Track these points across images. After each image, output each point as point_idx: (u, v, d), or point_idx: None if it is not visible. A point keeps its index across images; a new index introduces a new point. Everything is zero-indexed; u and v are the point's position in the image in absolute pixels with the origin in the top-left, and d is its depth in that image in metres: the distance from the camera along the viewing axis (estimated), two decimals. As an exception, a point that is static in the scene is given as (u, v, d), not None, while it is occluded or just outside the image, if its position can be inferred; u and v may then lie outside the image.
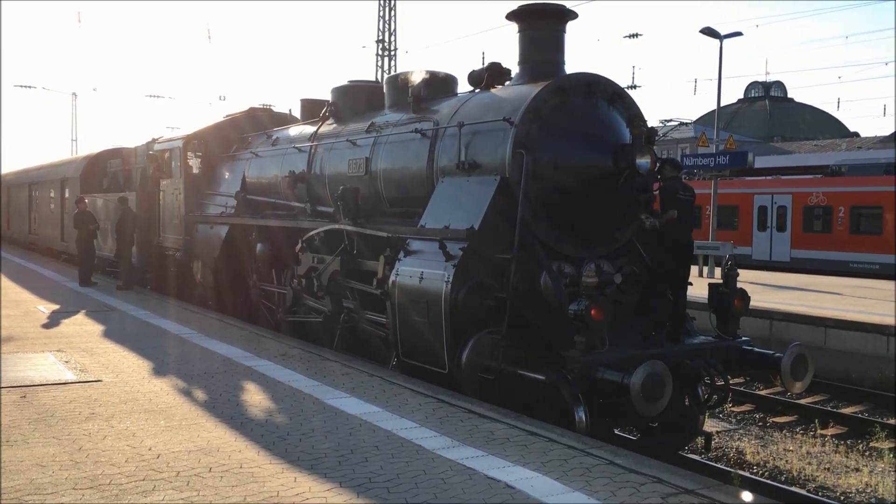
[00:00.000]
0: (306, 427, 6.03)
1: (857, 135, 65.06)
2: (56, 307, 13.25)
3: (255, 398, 7.00)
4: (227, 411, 6.52)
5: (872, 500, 7.56)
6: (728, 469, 7.97)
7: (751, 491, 6.29)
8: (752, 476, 7.88)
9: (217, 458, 5.26)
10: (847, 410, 10.81)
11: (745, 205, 27.53)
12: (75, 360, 8.72)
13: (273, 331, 11.25)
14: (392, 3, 40.88)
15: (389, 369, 8.38)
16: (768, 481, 7.78)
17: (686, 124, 32.58)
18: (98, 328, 11.01)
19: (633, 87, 38.35)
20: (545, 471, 5.01)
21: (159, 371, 8.17)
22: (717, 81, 21.33)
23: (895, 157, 25.80)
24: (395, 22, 41.03)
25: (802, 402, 11.03)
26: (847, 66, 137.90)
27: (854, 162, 26.62)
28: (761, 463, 8.53)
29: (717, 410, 9.81)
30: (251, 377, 7.84)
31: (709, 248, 19.31)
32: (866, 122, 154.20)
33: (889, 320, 12.42)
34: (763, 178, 28.32)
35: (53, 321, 11.70)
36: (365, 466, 5.09)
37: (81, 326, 11.19)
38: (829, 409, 10.82)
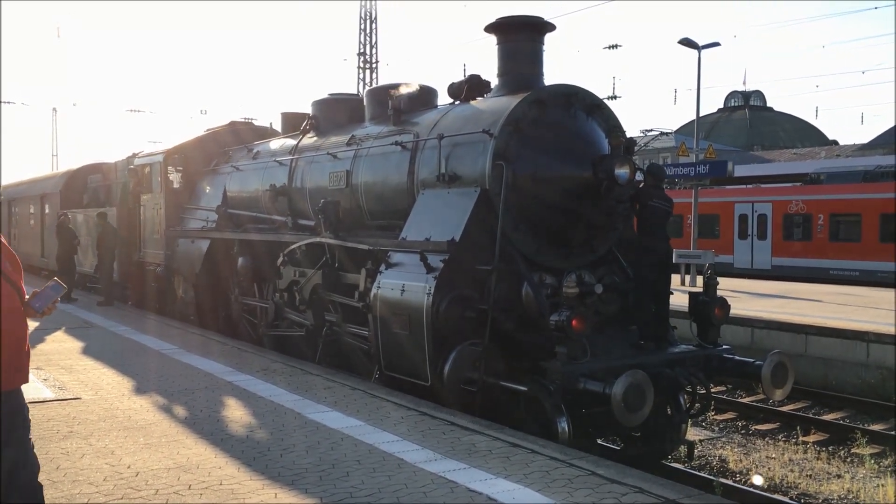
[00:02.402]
0: (287, 442, 5.99)
1: (835, 143, 65.68)
2: (35, 324, 13.12)
3: (236, 414, 6.95)
4: (208, 427, 6.47)
5: (854, 506, 7.61)
6: (711, 477, 7.98)
7: (733, 500, 6.31)
8: (735, 484, 7.90)
9: (197, 476, 5.22)
10: (828, 417, 10.88)
11: (726, 213, 27.71)
12: (54, 377, 8.64)
13: (255, 345, 11.20)
14: (373, 16, 40.98)
15: (372, 382, 8.35)
16: (751, 489, 7.80)
17: (666, 134, 32.80)
18: (78, 345, 10.91)
19: (613, 97, 38.63)
20: (527, 483, 5.00)
21: (139, 388, 8.10)
22: (696, 91, 21.52)
23: (872, 166, 26.07)
24: (376, 35, 41.12)
25: (784, 409, 11.09)
26: (824, 75, 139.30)
27: (832, 170, 26.89)
28: (744, 471, 8.56)
29: (699, 419, 9.83)
30: (232, 392, 7.78)
31: (690, 257, 19.41)
32: (845, 130, 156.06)
33: (868, 327, 12.52)
34: (743, 186, 28.54)
35: (32, 338, 11.56)
36: (346, 481, 5.07)
37: (61, 343, 11.08)
38: (810, 415, 10.88)
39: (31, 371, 8.81)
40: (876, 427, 10.24)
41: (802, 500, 7.66)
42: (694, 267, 19.40)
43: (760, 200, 26.90)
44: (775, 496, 7.59)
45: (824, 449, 9.43)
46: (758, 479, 7.88)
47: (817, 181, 26.11)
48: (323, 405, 7.17)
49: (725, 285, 17.24)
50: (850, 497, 7.78)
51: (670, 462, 8.29)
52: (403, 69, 79.69)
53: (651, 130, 31.39)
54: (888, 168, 24.79)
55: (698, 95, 21.58)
